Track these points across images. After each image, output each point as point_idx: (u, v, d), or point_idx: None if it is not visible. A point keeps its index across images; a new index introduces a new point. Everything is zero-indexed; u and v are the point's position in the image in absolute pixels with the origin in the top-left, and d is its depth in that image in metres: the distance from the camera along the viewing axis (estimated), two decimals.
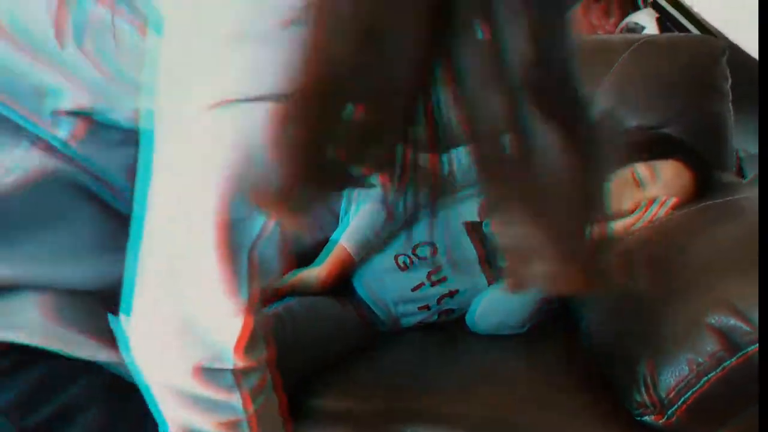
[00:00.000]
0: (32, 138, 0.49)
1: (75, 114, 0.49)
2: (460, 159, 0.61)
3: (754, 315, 0.71)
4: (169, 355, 0.49)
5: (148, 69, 0.46)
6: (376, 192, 0.99)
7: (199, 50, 0.43)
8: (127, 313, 0.49)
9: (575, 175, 0.49)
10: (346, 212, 1.10)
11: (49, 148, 0.49)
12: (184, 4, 0.43)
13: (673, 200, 1.04)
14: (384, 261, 1.07)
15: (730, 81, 1.25)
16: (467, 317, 1.05)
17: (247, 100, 0.43)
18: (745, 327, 0.71)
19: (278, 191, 0.43)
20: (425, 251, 1.07)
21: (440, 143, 0.55)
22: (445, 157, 0.56)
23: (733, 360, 0.71)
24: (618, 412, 0.79)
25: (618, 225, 1.04)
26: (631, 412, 0.77)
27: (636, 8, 1.95)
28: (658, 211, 1.03)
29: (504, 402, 0.84)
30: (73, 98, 0.49)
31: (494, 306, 1.02)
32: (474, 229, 1.07)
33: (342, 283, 1.07)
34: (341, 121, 0.47)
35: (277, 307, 0.96)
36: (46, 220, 0.50)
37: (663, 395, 0.73)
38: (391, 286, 1.06)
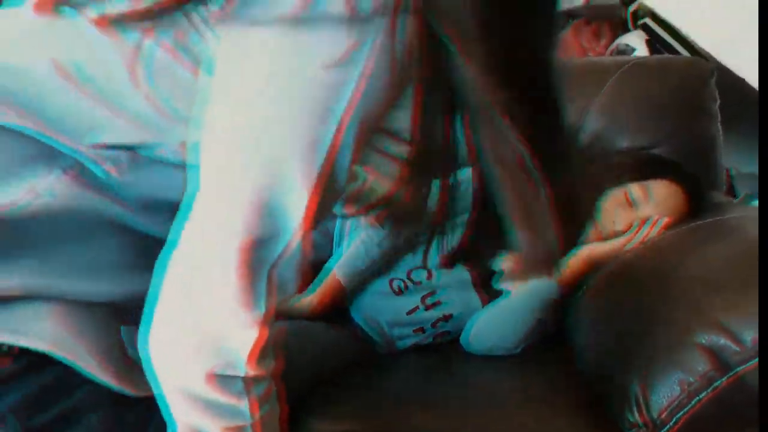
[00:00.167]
0: (66, 166, 0.53)
1: (120, 147, 0.53)
2: (461, 183, 0.63)
3: (744, 334, 0.72)
4: (186, 361, 0.52)
5: (198, 106, 0.51)
6: (371, 222, 1.01)
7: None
8: (148, 322, 0.52)
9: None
10: (341, 240, 1.11)
11: (81, 176, 0.53)
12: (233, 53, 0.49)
13: (665, 220, 1.05)
14: (379, 285, 1.08)
15: (718, 102, 1.27)
16: (461, 338, 1.06)
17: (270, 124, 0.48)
18: (734, 346, 0.72)
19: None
20: (420, 275, 1.07)
21: (452, 171, 0.59)
22: (452, 183, 0.60)
23: (723, 380, 0.71)
24: None
25: (611, 245, 1.04)
26: None
27: (626, 30, 1.98)
28: (650, 231, 1.04)
29: (499, 422, 0.85)
30: (120, 133, 0.52)
31: (488, 327, 1.03)
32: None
33: (335, 309, 1.07)
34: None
35: None
36: (69, 240, 0.54)
37: (655, 416, 0.74)
38: (385, 310, 1.07)
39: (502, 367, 1.00)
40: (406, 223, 0.65)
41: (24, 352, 0.53)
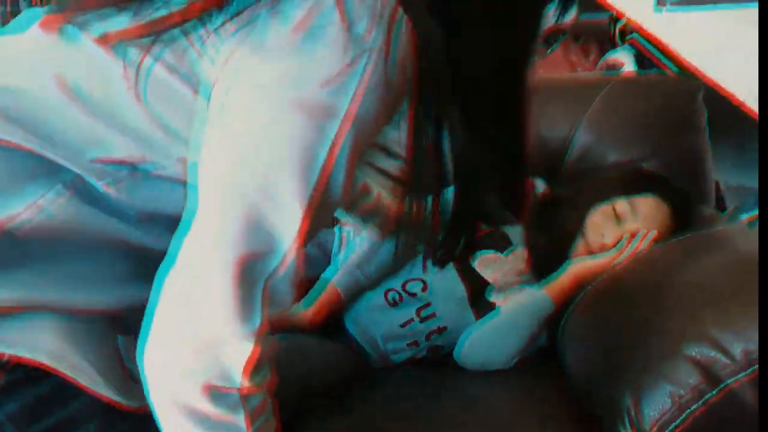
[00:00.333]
0: (67, 181, 0.54)
1: (118, 164, 0.54)
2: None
3: (734, 347, 0.72)
4: (181, 373, 0.52)
5: (196, 125, 0.53)
6: (368, 233, 1.02)
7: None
8: (146, 334, 0.53)
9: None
10: (338, 252, 1.12)
11: (81, 191, 0.54)
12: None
13: (653, 233, 1.07)
14: (374, 297, 1.08)
15: (706, 116, 1.29)
16: (455, 352, 1.06)
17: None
18: (724, 359, 0.72)
19: None
20: (415, 287, 1.08)
21: (443, 186, 0.61)
22: (444, 198, 0.63)
23: (714, 393, 0.72)
24: None
25: (602, 260, 1.05)
26: None
27: (614, 47, 2.01)
28: (639, 246, 1.05)
29: None
30: (120, 149, 0.54)
31: (482, 343, 1.03)
32: (461, 265, 1.09)
33: (331, 321, 1.08)
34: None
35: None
36: (67, 254, 0.55)
37: (647, 429, 0.74)
38: (380, 322, 1.07)
39: (495, 381, 1.00)
40: (407, 234, 0.66)
41: (23, 364, 0.53)
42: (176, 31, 0.52)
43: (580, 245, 1.10)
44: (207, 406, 0.53)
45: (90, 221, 0.54)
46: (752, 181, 1.84)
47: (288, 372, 0.93)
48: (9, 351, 0.53)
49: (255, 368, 0.53)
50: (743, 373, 0.71)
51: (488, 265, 1.09)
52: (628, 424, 0.75)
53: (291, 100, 0.50)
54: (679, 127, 1.26)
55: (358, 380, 1.01)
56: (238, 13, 0.51)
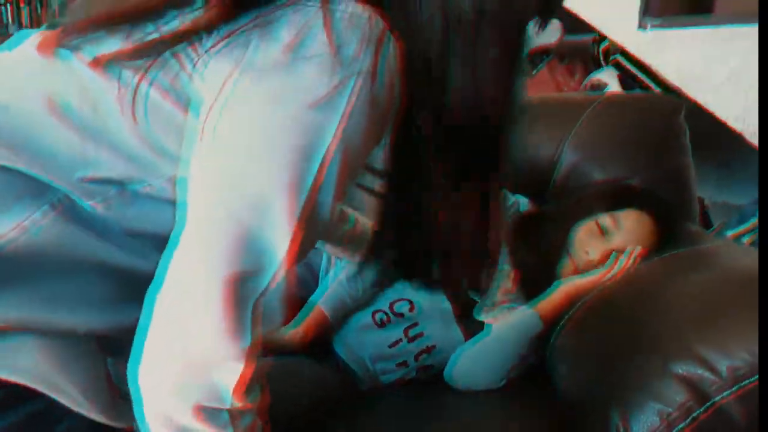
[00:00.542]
0: (54, 201, 0.54)
1: (107, 182, 0.54)
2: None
3: (720, 364, 0.73)
4: (172, 393, 0.52)
5: (186, 144, 0.53)
6: (350, 257, 1.01)
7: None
8: (137, 355, 0.53)
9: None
10: (326, 273, 1.12)
11: (69, 211, 0.54)
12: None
13: (639, 249, 1.07)
14: (362, 318, 1.08)
15: (688, 135, 1.31)
16: (445, 372, 1.06)
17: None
18: (711, 377, 0.73)
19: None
20: (402, 307, 1.08)
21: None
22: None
23: (701, 410, 0.72)
24: None
25: (591, 279, 1.06)
26: None
27: (599, 67, 2.04)
28: (627, 263, 1.06)
29: None
30: (109, 168, 0.54)
31: (472, 363, 1.03)
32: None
33: (320, 343, 1.07)
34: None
35: None
36: (54, 274, 0.55)
37: None
38: (369, 344, 1.07)
39: (485, 400, 1.00)
40: (390, 255, 0.67)
41: (9, 384, 0.53)
42: (168, 53, 0.53)
43: (567, 264, 1.11)
44: (198, 426, 0.53)
45: (76, 242, 0.54)
46: (736, 198, 1.86)
47: (277, 392, 0.93)
48: None
49: (247, 387, 0.53)
50: (729, 391, 0.72)
51: None
52: None
53: (280, 118, 0.50)
54: (663, 144, 1.28)
55: (347, 402, 1.01)
56: (228, 35, 0.52)
